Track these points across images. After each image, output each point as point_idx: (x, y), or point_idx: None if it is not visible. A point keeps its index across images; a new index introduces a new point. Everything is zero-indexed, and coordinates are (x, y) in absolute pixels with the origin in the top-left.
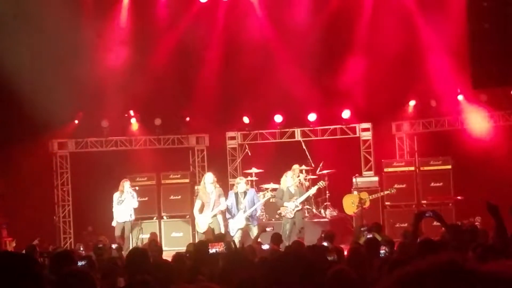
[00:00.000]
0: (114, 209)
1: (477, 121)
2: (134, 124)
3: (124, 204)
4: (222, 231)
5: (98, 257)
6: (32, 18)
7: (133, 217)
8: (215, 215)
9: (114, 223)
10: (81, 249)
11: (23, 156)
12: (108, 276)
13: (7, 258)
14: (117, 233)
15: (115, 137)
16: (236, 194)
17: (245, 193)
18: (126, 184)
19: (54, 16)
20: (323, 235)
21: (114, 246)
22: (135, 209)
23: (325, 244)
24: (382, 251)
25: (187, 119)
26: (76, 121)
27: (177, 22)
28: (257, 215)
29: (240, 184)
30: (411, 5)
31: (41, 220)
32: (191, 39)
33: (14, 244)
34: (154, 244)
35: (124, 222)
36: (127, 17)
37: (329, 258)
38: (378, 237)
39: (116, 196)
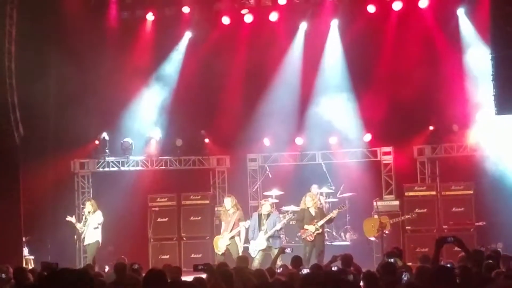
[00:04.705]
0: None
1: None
2: (155, 144)
3: (87, 225)
4: (240, 253)
5: (118, 274)
6: (58, 42)
7: (95, 239)
8: (233, 237)
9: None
10: (107, 269)
11: (45, 175)
12: None
13: (66, 274)
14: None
15: (136, 157)
16: (260, 216)
17: (268, 215)
18: (86, 204)
19: (80, 40)
20: (338, 259)
21: (134, 266)
22: (98, 230)
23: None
24: (405, 278)
25: (207, 140)
26: (97, 142)
27: (200, 44)
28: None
29: (265, 205)
30: (434, 30)
31: (62, 239)
32: (213, 61)
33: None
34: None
35: (88, 245)
36: (151, 37)
37: (348, 278)
38: (399, 263)
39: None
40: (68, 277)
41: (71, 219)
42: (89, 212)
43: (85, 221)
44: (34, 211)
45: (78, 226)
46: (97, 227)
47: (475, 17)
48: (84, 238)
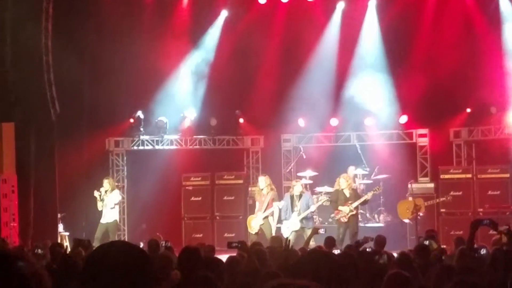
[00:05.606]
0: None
1: None
2: (190, 123)
3: (105, 204)
4: (273, 233)
5: (151, 252)
6: (93, 19)
7: (113, 219)
8: (266, 217)
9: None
10: (141, 245)
11: (80, 153)
12: (164, 268)
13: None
14: (97, 234)
15: (171, 136)
16: (292, 197)
17: (300, 195)
18: (104, 182)
19: (115, 18)
20: (370, 240)
21: (167, 244)
22: (115, 210)
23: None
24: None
25: (241, 120)
26: (132, 120)
27: (236, 24)
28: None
29: (296, 186)
30: (473, 11)
31: (96, 216)
32: (249, 40)
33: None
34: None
35: (106, 223)
36: (187, 16)
37: (381, 261)
38: (434, 245)
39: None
40: (122, 254)
41: (97, 195)
42: (106, 191)
43: (102, 200)
44: (69, 188)
45: (99, 204)
46: (114, 207)
47: None
48: (103, 216)
